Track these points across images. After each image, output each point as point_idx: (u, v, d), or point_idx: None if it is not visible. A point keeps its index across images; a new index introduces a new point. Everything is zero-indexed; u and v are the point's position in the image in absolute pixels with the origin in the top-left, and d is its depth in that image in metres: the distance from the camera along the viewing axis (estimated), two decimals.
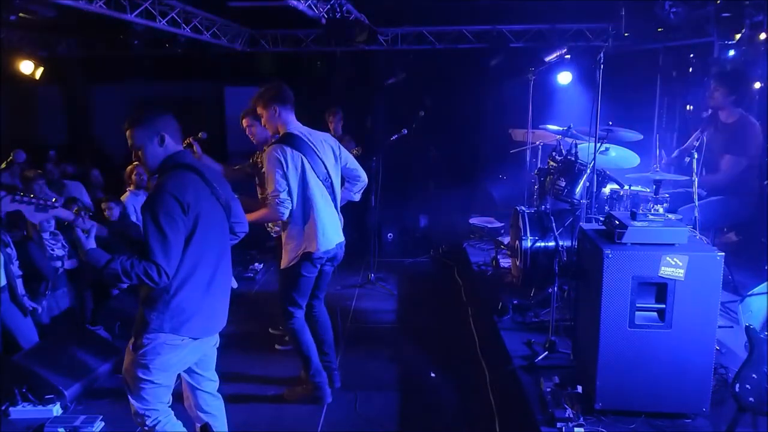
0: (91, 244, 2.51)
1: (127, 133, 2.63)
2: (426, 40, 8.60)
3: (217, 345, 2.95)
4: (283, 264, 3.77)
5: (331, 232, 3.74)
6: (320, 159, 3.69)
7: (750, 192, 4.55)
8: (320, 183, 3.69)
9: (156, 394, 2.67)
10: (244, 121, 4.40)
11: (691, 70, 7.03)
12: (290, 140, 3.63)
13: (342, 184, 3.97)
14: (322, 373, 3.90)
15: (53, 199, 2.58)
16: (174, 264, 2.48)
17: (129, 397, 2.69)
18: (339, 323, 5.10)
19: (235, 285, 3.47)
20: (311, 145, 3.67)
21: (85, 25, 7.68)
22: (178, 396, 2.88)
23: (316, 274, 3.80)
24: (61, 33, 8.67)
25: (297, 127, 3.72)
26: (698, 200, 3.84)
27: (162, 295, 2.55)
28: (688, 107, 7.15)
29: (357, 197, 4.11)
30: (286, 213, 3.58)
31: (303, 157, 3.60)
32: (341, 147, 3.92)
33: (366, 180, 4.08)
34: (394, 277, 6.82)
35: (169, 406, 2.77)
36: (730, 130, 4.50)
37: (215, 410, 2.98)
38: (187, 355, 2.70)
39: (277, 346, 4.81)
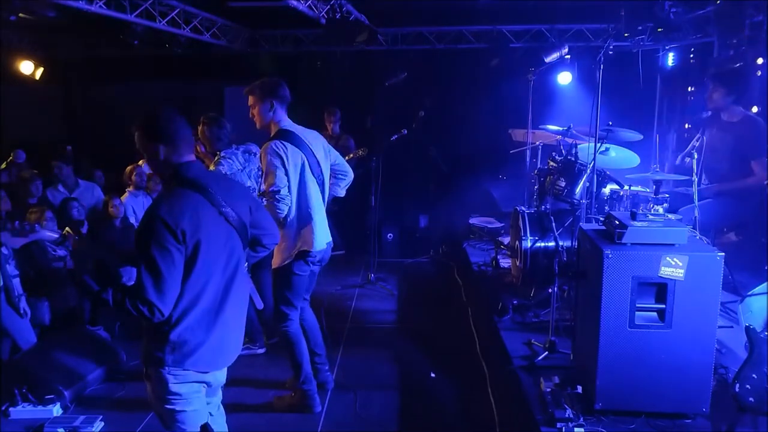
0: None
1: (135, 135, 2.44)
2: (426, 40, 8.59)
3: None
4: (276, 263, 3.70)
5: (323, 231, 3.74)
6: (315, 157, 3.68)
7: (750, 192, 4.54)
8: (315, 182, 3.68)
9: (190, 419, 2.48)
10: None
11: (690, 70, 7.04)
12: (289, 137, 3.57)
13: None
14: (312, 381, 3.85)
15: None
16: (170, 298, 2.26)
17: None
18: (338, 324, 5.11)
19: (260, 306, 3.31)
20: (307, 143, 3.66)
21: (85, 26, 7.67)
22: None
23: (308, 273, 3.77)
24: (61, 33, 8.66)
25: (291, 125, 3.68)
26: (698, 200, 3.84)
27: (161, 326, 2.33)
28: (686, 126, 7.16)
29: (342, 193, 4.10)
30: (285, 210, 3.51)
31: (302, 155, 3.58)
32: (329, 144, 3.92)
33: (352, 176, 4.07)
34: (394, 277, 6.82)
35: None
36: (737, 130, 4.45)
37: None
38: (200, 387, 2.50)
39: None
